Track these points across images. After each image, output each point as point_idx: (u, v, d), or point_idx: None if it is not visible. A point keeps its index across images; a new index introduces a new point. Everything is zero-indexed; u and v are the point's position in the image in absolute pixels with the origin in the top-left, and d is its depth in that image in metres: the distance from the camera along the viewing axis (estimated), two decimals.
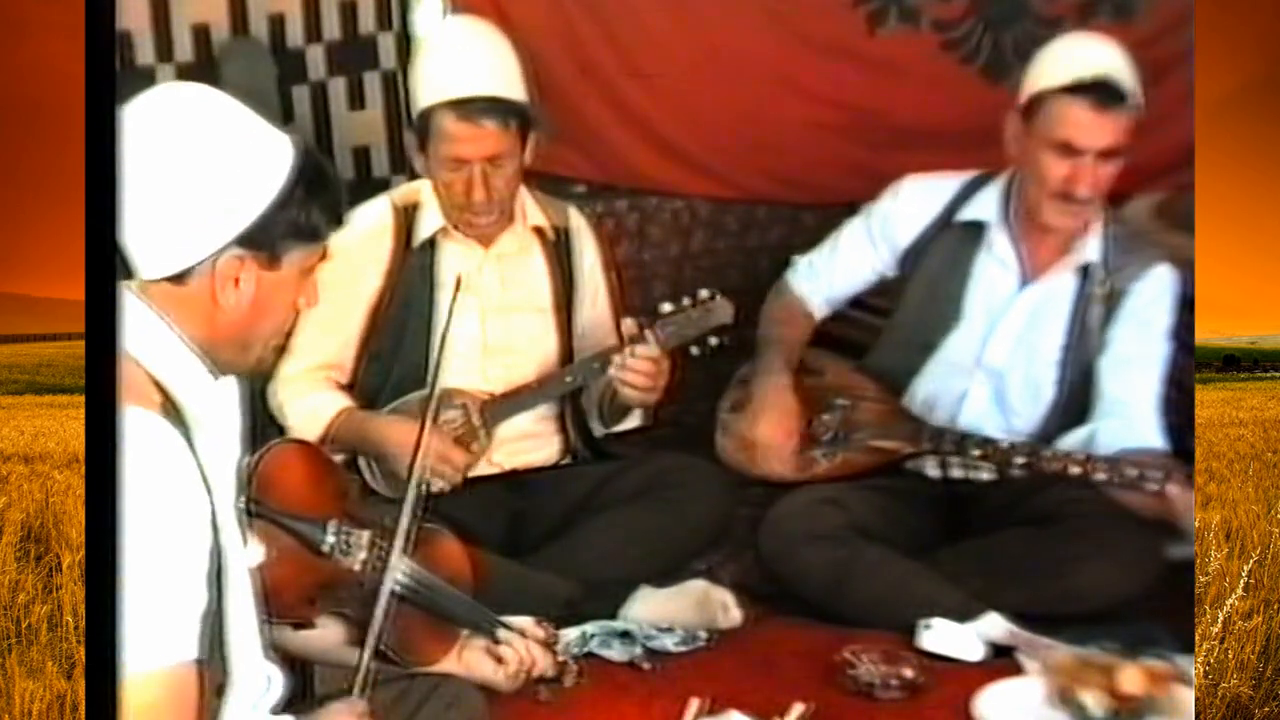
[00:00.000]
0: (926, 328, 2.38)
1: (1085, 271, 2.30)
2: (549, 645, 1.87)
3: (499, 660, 1.80)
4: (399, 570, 1.71)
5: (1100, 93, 2.15)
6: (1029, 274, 2.33)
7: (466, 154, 2.23)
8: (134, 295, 1.34)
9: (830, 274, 2.48)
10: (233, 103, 1.38)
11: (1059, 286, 2.31)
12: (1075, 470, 2.15)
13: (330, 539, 1.70)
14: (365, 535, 1.73)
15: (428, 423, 1.80)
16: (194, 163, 1.33)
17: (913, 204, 2.40)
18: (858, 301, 2.54)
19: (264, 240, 1.35)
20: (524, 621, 1.88)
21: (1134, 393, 2.25)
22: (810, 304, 2.50)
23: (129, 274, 1.35)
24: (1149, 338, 2.28)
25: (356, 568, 1.72)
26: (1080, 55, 2.20)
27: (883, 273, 2.45)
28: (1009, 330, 2.33)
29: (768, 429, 2.37)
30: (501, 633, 1.82)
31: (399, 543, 1.69)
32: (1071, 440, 2.26)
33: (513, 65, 2.26)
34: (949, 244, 2.37)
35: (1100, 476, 2.13)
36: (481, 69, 2.23)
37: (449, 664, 1.79)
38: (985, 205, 2.35)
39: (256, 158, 1.36)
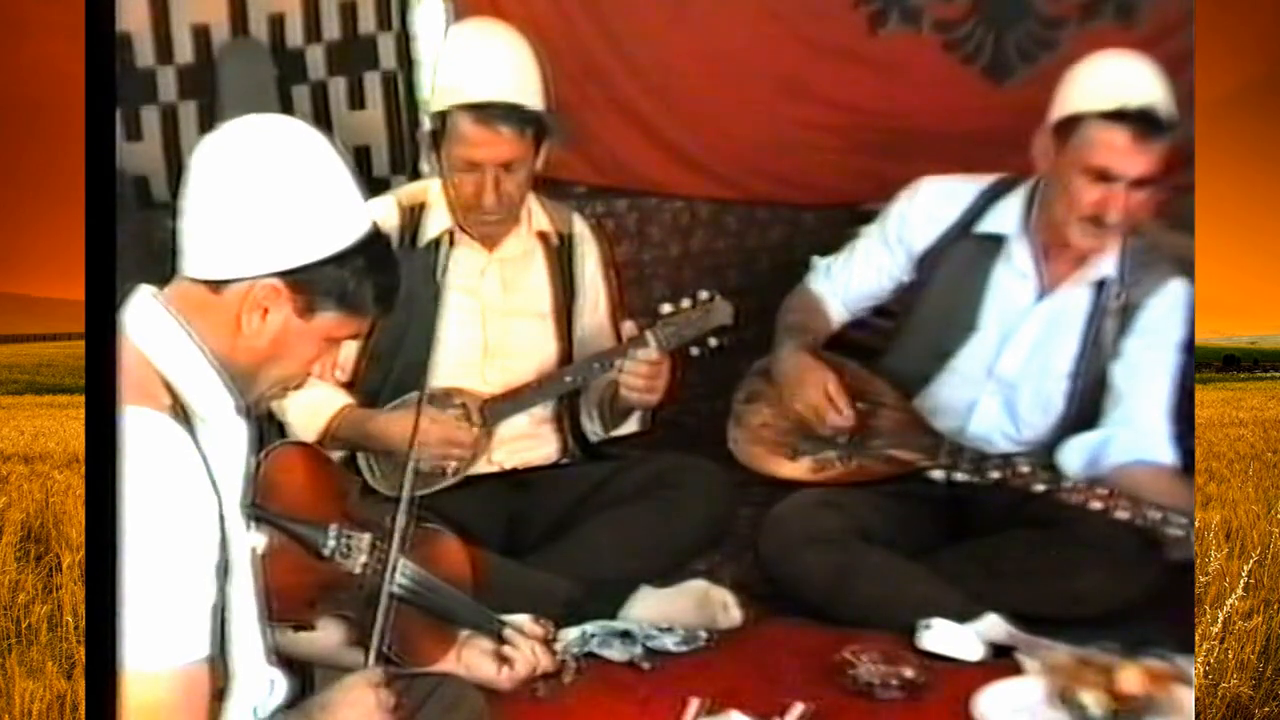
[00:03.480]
0: (942, 336, 2.36)
1: (1100, 285, 2.29)
2: (548, 643, 1.87)
3: (504, 661, 1.80)
4: (399, 572, 1.71)
5: (1142, 122, 2.11)
6: (1046, 286, 2.31)
7: (481, 158, 2.23)
8: (154, 300, 1.35)
9: (848, 278, 2.47)
10: (338, 158, 1.42)
11: (1074, 300, 2.30)
12: (1096, 506, 2.11)
13: (331, 542, 1.70)
14: (366, 538, 1.73)
15: (421, 418, 1.81)
16: (279, 189, 1.35)
17: (930, 208, 2.37)
18: (874, 308, 2.52)
19: (307, 287, 1.37)
20: (521, 619, 1.88)
21: (1146, 405, 2.24)
22: (828, 306, 2.49)
23: (158, 273, 1.37)
24: (1163, 349, 2.27)
25: (357, 571, 1.72)
26: (1123, 80, 2.15)
27: (899, 278, 2.42)
28: (1023, 342, 2.32)
29: (805, 393, 2.33)
30: (507, 633, 1.82)
31: (397, 544, 1.69)
32: (1082, 444, 2.26)
33: (532, 72, 2.25)
34: (967, 253, 2.34)
35: (1122, 515, 2.10)
36: (502, 74, 2.22)
37: (448, 664, 1.79)
38: (1006, 217, 2.32)
39: (335, 211, 1.38)
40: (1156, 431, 2.24)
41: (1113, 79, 2.17)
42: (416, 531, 1.74)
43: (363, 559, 1.72)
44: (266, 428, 2.20)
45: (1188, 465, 2.34)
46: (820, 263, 2.52)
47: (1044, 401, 2.32)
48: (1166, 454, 2.22)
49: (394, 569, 1.71)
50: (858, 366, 2.41)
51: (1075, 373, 2.30)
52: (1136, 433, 2.24)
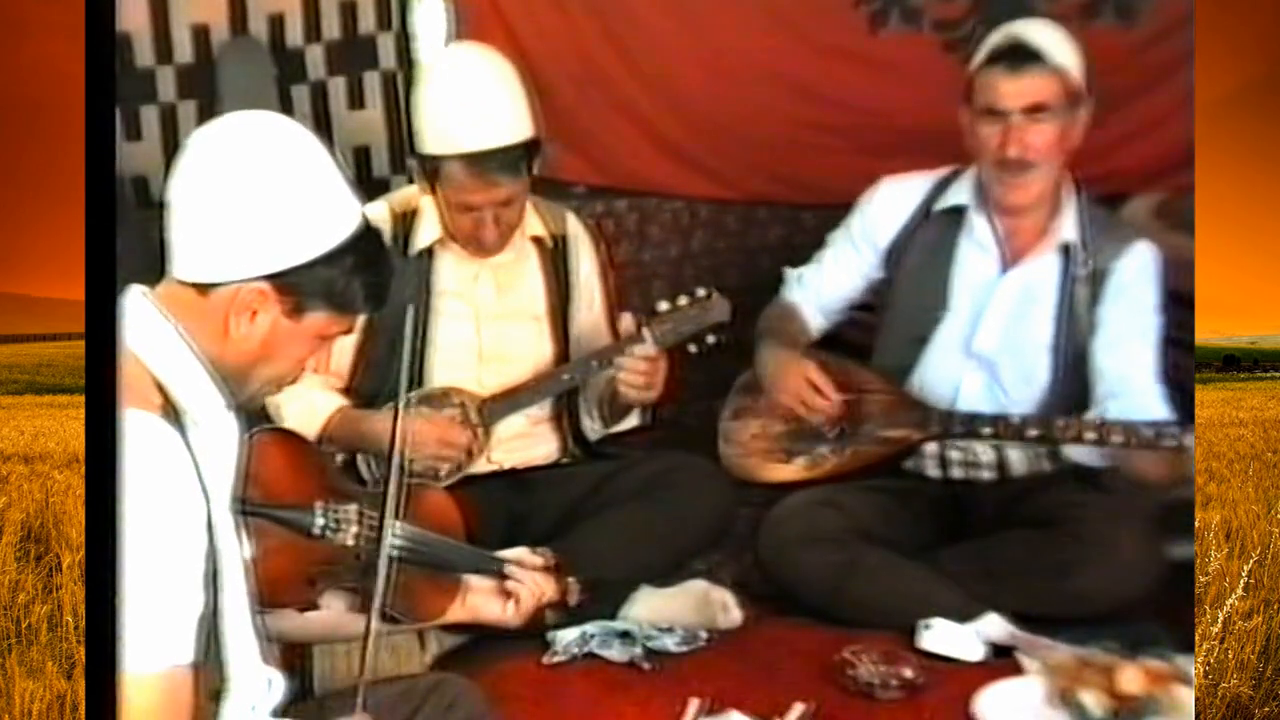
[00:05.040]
0: (917, 320, 2.39)
1: (1066, 252, 2.32)
2: (549, 570, 1.89)
3: (509, 597, 1.82)
4: (392, 534, 1.72)
5: (1012, 55, 2.22)
6: (1009, 259, 2.34)
7: (479, 202, 2.22)
8: (146, 299, 1.35)
9: (820, 283, 2.50)
10: (325, 155, 1.39)
11: (1042, 270, 2.33)
12: (1090, 436, 2.17)
13: (320, 521, 1.73)
14: (352, 509, 1.75)
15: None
16: (265, 190, 1.34)
17: (890, 202, 2.43)
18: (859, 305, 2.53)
19: (295, 289, 1.35)
20: (519, 551, 1.91)
21: (1133, 369, 2.25)
22: (805, 314, 2.51)
23: (147, 278, 1.35)
24: (1139, 313, 2.29)
25: (350, 542, 1.74)
26: (999, 31, 2.27)
27: (869, 275, 2.46)
28: (996, 317, 2.34)
29: (786, 384, 2.36)
30: (509, 569, 1.84)
31: (389, 509, 1.69)
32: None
33: (520, 98, 2.22)
34: (930, 234, 2.39)
35: (1117, 439, 2.15)
36: (491, 117, 2.18)
37: (455, 613, 1.81)
38: (962, 192, 2.38)
39: (322, 211, 1.36)
40: (1148, 393, 2.25)
41: (992, 35, 2.28)
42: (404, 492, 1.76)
43: (354, 530, 1.75)
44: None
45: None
46: (792, 273, 2.54)
47: (1026, 375, 2.33)
48: (1161, 412, 2.23)
49: (386, 534, 1.71)
50: (840, 359, 2.43)
51: (1055, 345, 2.32)
52: (1128, 400, 2.25)
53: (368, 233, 1.40)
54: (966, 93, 2.28)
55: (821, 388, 2.35)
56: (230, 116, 1.38)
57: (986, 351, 2.35)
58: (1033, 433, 2.23)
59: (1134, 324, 2.28)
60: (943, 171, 2.42)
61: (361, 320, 2.21)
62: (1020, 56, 2.21)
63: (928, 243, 2.39)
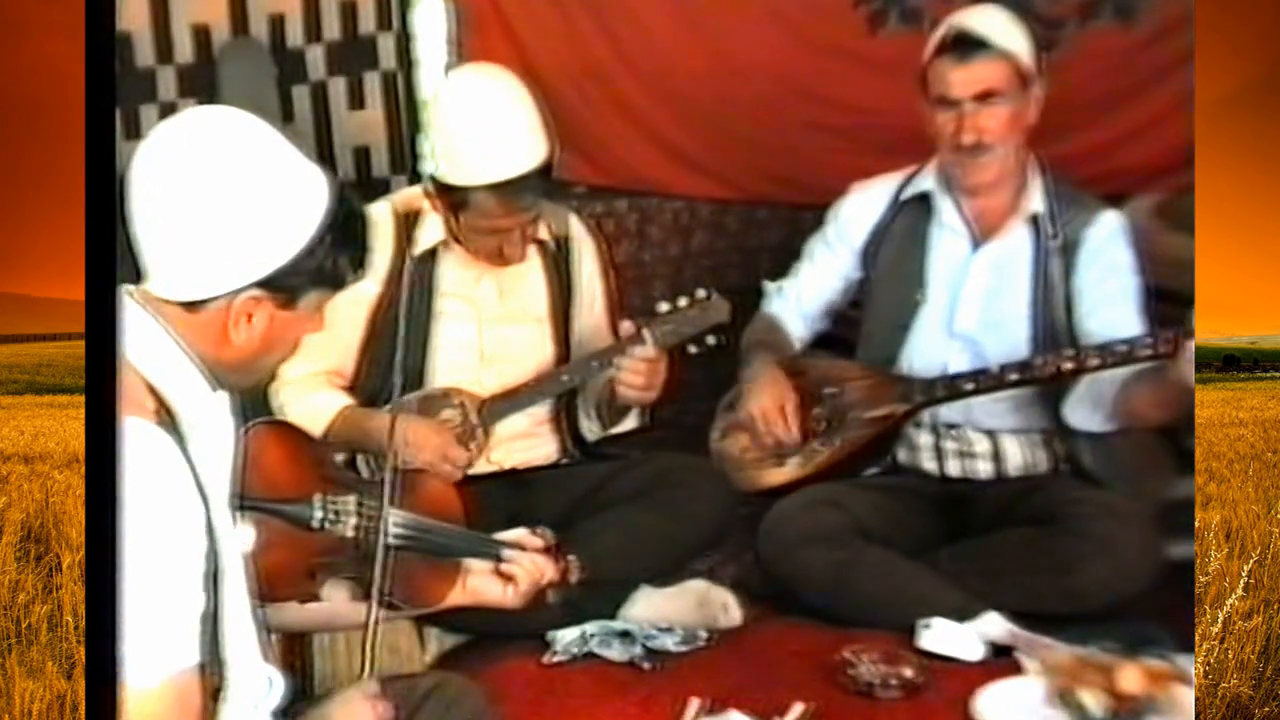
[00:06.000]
0: (897, 309, 2.41)
1: (1036, 224, 2.34)
2: (548, 550, 1.90)
3: (509, 580, 1.82)
4: (391, 524, 1.72)
5: (958, 45, 2.26)
6: (979, 237, 2.37)
7: (508, 226, 2.24)
8: (135, 302, 1.34)
9: (800, 290, 2.53)
10: (277, 138, 1.36)
11: (1013, 243, 2.35)
12: (1069, 366, 2.21)
13: (319, 514, 1.74)
14: (351, 500, 1.76)
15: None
16: (229, 195, 1.31)
17: (861, 203, 2.47)
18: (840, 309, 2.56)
19: (285, 284, 1.35)
20: (519, 533, 1.93)
21: (1118, 328, 2.25)
22: (787, 324, 2.53)
23: (137, 277, 1.35)
24: (1115, 275, 2.31)
25: (349, 534, 1.74)
26: (946, 23, 2.30)
27: (848, 277, 2.49)
28: (972, 295, 2.37)
29: (761, 399, 2.39)
30: (505, 552, 1.85)
31: (386, 500, 1.69)
32: (1077, 398, 2.28)
33: (537, 118, 2.22)
34: (902, 225, 2.42)
35: (1094, 362, 2.19)
36: (517, 145, 2.18)
37: (456, 597, 1.82)
38: (927, 179, 2.41)
39: (292, 201, 1.34)
40: None
41: (940, 29, 2.31)
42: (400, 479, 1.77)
43: (353, 521, 1.76)
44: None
45: (1188, 465, 2.34)
46: (771, 286, 2.57)
47: (1010, 349, 2.34)
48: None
49: (385, 524, 1.71)
50: (821, 358, 2.46)
51: (1034, 315, 2.34)
52: None
53: (339, 201, 1.37)
54: (921, 84, 2.30)
55: (789, 420, 2.38)
56: (173, 122, 1.34)
57: (968, 330, 2.37)
58: (1013, 377, 2.26)
59: (1112, 286, 2.30)
60: (909, 169, 2.45)
61: (365, 319, 2.27)
62: (967, 45, 2.25)
63: (900, 233, 2.42)
